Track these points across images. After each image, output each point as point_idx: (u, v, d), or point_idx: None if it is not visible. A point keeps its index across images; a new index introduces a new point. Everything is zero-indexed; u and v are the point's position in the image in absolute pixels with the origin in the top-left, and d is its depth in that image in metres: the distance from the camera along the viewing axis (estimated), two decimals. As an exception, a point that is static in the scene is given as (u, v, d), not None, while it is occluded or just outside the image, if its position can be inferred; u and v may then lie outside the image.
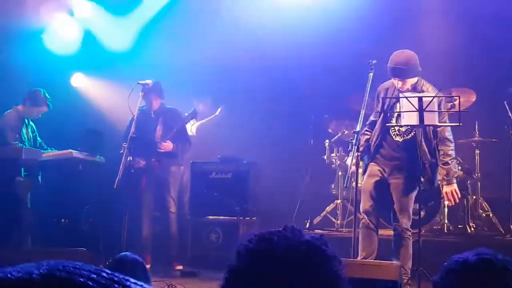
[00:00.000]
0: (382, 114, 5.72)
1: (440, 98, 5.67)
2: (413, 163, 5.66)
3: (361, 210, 5.77)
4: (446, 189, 5.79)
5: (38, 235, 7.05)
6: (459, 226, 7.73)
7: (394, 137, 5.79)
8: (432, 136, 5.72)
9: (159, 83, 7.20)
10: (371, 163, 5.85)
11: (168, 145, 7.36)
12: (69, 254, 4.78)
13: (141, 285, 0.83)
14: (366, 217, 5.76)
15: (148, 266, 7.27)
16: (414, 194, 5.76)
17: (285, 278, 1.25)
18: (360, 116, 5.54)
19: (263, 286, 1.27)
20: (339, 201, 8.37)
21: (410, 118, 5.54)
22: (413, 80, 5.72)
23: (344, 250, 5.53)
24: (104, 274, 0.80)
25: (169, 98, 7.65)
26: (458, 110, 5.76)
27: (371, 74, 5.67)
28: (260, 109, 9.20)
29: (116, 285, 0.78)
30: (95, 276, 0.79)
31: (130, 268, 3.00)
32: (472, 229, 7.63)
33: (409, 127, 5.69)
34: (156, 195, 7.56)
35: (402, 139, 5.76)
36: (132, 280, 0.83)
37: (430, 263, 5.65)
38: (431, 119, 5.50)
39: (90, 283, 0.77)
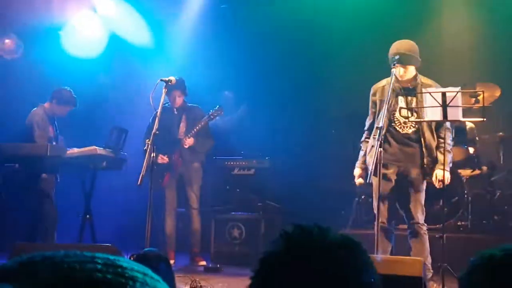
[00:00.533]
0: (384, 113, 5.65)
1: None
2: (420, 155, 5.68)
3: (377, 214, 5.73)
4: (442, 173, 5.69)
5: (62, 231, 7.13)
6: (484, 222, 7.66)
7: (401, 130, 5.76)
8: (434, 125, 5.74)
9: (182, 79, 7.24)
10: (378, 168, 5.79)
11: (190, 141, 7.42)
12: (95, 249, 4.81)
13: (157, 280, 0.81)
14: (384, 221, 5.75)
15: (172, 262, 7.32)
16: (424, 186, 5.76)
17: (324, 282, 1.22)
18: (383, 111, 5.51)
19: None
20: (363, 197, 8.33)
21: (433, 114, 5.49)
22: (413, 70, 5.73)
23: (366, 246, 5.51)
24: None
25: (192, 95, 7.68)
26: (482, 105, 5.71)
27: (394, 69, 5.64)
28: (285, 104, 9.18)
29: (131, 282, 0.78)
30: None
31: (154, 264, 3.02)
32: (497, 224, 7.56)
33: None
34: (179, 191, 7.61)
35: (411, 130, 5.74)
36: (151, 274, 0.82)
37: (454, 260, 5.62)
38: (455, 114, 5.45)
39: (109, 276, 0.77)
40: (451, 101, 5.35)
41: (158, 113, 6.01)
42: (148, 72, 8.43)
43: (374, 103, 5.90)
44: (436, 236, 5.76)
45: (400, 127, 5.77)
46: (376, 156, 5.36)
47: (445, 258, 5.40)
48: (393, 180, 5.79)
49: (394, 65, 5.64)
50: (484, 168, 7.91)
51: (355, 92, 8.67)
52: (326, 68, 8.93)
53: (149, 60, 9.16)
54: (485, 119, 5.60)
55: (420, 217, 5.72)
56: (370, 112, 5.98)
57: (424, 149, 5.69)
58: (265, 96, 9.15)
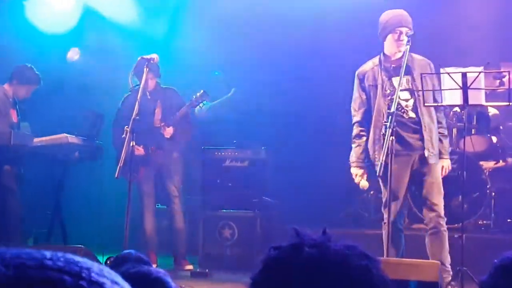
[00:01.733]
0: (396, 96, 5.66)
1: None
2: (431, 140, 5.73)
3: (385, 211, 5.74)
4: (443, 162, 5.79)
5: (29, 230, 7.11)
6: (508, 220, 7.68)
7: (404, 115, 5.75)
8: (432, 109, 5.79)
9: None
10: (388, 157, 5.77)
11: (170, 131, 7.37)
12: (66, 251, 4.80)
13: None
14: (395, 219, 5.74)
15: (154, 266, 7.31)
16: (441, 174, 5.81)
17: None
18: (395, 95, 5.50)
19: None
20: (372, 192, 8.34)
21: (452, 97, 5.49)
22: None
23: (376, 247, 5.52)
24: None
25: (177, 79, 7.66)
26: (507, 87, 5.71)
27: (408, 46, 5.62)
28: (283, 87, 9.15)
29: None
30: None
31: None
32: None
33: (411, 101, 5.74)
34: (158, 185, 7.58)
35: (414, 114, 5.75)
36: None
37: (474, 262, 5.63)
38: (477, 97, 5.44)
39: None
40: (472, 82, 5.34)
41: (138, 96, 5.98)
42: (127, 50, 8.38)
43: (364, 88, 5.88)
44: (455, 236, 5.77)
45: (404, 112, 5.77)
46: (387, 145, 5.34)
47: (465, 261, 5.40)
48: (407, 172, 5.79)
49: (394, 32, 5.63)
50: (510, 159, 7.91)
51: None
52: (330, 47, 8.90)
53: (128, 35, 9.10)
54: (511, 104, 5.59)
55: (441, 207, 5.74)
56: (359, 100, 5.93)
57: (424, 134, 5.71)
58: (260, 78, 9.11)
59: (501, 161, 7.88)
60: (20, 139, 6.67)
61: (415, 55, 5.82)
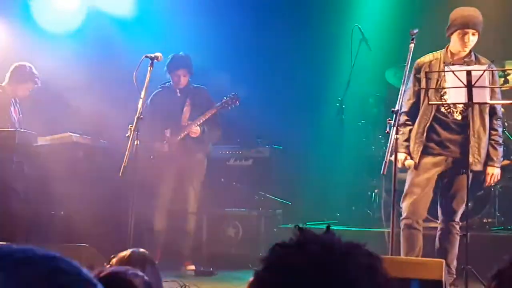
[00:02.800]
0: (428, 92, 5.64)
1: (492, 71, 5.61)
2: (478, 147, 5.66)
3: (405, 208, 5.71)
4: (494, 170, 5.74)
5: (33, 229, 7.11)
6: (513, 219, 7.67)
7: (449, 115, 5.70)
8: (487, 112, 5.70)
9: (188, 56, 7.13)
10: (423, 154, 5.75)
11: (197, 131, 7.33)
12: (70, 250, 4.81)
13: None
14: (412, 217, 5.71)
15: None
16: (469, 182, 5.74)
17: None
18: (400, 92, 5.48)
19: None
20: (376, 191, 8.33)
21: (457, 95, 5.47)
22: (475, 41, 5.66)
23: (381, 246, 5.52)
24: None
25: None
26: (512, 86, 5.70)
27: (412, 45, 5.60)
28: (288, 85, 9.14)
29: None
30: None
31: (139, 267, 3.01)
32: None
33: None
34: (176, 186, 7.52)
35: (461, 116, 5.68)
36: None
37: (479, 262, 5.61)
38: (481, 96, 5.43)
39: None
40: (477, 81, 5.32)
41: (142, 95, 5.97)
42: (132, 49, 8.37)
43: (419, 80, 5.79)
44: (460, 235, 5.75)
45: (449, 112, 5.72)
46: (391, 144, 5.34)
47: (469, 260, 5.39)
48: (437, 172, 5.75)
49: (462, 30, 5.55)
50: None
51: (368, 74, 8.68)
52: (336, 46, 8.89)
53: (133, 35, 9.10)
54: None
55: (459, 215, 5.72)
56: (411, 91, 5.84)
57: (471, 139, 5.58)
58: (265, 76, 9.11)
59: (505, 159, 7.86)
60: (24, 138, 6.68)
61: (481, 58, 5.74)
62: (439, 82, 5.67)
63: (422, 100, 5.76)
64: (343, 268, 1.30)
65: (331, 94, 8.95)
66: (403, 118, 5.80)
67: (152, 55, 6.26)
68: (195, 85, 7.56)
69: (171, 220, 7.67)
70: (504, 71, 7.24)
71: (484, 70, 5.38)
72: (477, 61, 5.71)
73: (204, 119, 7.32)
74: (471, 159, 5.58)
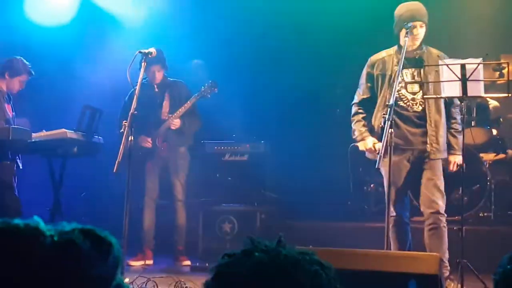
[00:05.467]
0: (394, 88, 5.66)
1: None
2: (436, 135, 5.71)
3: (392, 206, 5.71)
4: (455, 158, 5.79)
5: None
6: (509, 212, 7.67)
7: (409, 108, 5.75)
8: (442, 100, 5.76)
9: (161, 51, 7.11)
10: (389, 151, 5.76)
11: (177, 123, 7.36)
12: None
13: None
14: (399, 214, 5.75)
15: (150, 262, 7.30)
16: (441, 170, 5.78)
17: None
18: (394, 86, 5.48)
19: None
20: (371, 185, 8.34)
21: (451, 89, 5.47)
22: (422, 37, 5.73)
23: (376, 241, 5.52)
24: None
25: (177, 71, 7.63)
26: (507, 79, 5.69)
27: (407, 38, 5.60)
28: (282, 79, 9.12)
29: None
30: None
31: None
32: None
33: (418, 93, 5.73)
34: (162, 180, 7.57)
35: (421, 107, 5.74)
36: None
37: (474, 255, 5.63)
38: (476, 89, 5.42)
39: None
40: (471, 74, 5.32)
41: (136, 91, 5.96)
42: (126, 44, 8.36)
43: (371, 77, 5.89)
44: (454, 228, 5.74)
45: (408, 105, 5.76)
46: (386, 138, 5.33)
47: (465, 254, 5.39)
48: (406, 166, 5.78)
49: (407, 28, 5.60)
50: (510, 152, 7.90)
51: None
52: (329, 38, 8.88)
53: (127, 30, 9.08)
54: (510, 95, 5.57)
55: (440, 204, 5.72)
56: (363, 86, 5.95)
57: (429, 129, 5.69)
58: (259, 69, 9.09)
59: (501, 153, 7.87)
60: (18, 134, 6.65)
61: (431, 49, 5.83)
62: (393, 78, 5.69)
63: (378, 96, 5.82)
64: (289, 276, 1.31)
65: (326, 89, 8.95)
66: (354, 108, 5.96)
67: (146, 51, 6.23)
68: (171, 79, 7.60)
69: (162, 216, 7.68)
70: (499, 64, 7.22)
71: (479, 64, 5.38)
72: (428, 53, 5.78)
73: (184, 110, 7.35)
74: (429, 148, 5.69)
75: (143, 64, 6.22)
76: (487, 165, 7.58)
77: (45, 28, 8.80)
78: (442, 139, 5.75)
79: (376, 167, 5.37)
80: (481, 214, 7.61)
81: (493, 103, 7.98)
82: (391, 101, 5.40)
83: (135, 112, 5.83)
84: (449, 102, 5.80)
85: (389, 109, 5.33)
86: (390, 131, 5.30)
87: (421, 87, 5.73)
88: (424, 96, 5.68)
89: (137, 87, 5.98)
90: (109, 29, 9.11)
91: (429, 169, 5.74)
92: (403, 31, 5.71)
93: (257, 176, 8.12)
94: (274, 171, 8.26)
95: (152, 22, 9.10)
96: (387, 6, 6.16)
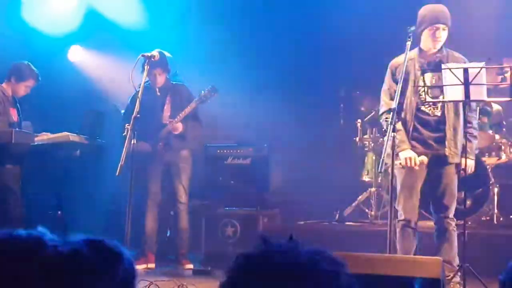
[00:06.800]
0: (411, 92, 5.67)
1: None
2: (454, 140, 5.69)
3: (399, 208, 5.73)
4: (469, 162, 5.70)
5: (30, 229, 7.08)
6: (511, 216, 7.66)
7: (430, 112, 5.73)
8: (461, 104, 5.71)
9: (163, 54, 7.07)
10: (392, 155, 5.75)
11: (179, 126, 7.35)
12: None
13: None
14: (408, 219, 5.72)
15: (152, 266, 7.30)
16: (457, 176, 5.77)
17: None
18: (397, 90, 5.48)
19: None
20: (373, 189, 8.33)
21: (454, 93, 5.47)
22: (444, 40, 5.70)
23: (378, 244, 5.52)
24: None
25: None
26: (509, 83, 5.69)
27: (409, 42, 5.58)
28: (285, 83, 9.12)
29: None
30: None
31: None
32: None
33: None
34: (164, 183, 7.56)
35: (440, 112, 5.72)
36: None
37: (477, 259, 5.62)
38: (479, 93, 5.43)
39: None
40: (474, 78, 5.32)
41: (139, 94, 5.97)
42: (128, 47, 8.37)
43: (395, 81, 5.77)
44: (457, 232, 5.75)
45: (430, 110, 5.73)
46: (389, 142, 5.33)
47: (467, 258, 5.39)
48: (423, 170, 5.76)
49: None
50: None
51: (365, 69, 8.66)
52: (332, 40, 8.88)
53: (130, 34, 9.09)
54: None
55: (452, 210, 5.74)
56: (389, 92, 5.83)
57: (447, 133, 5.68)
58: (261, 73, 9.09)
59: (505, 157, 7.86)
60: (21, 137, 6.66)
61: (452, 52, 5.79)
62: (416, 82, 5.68)
63: (403, 101, 5.74)
64: (309, 275, 1.31)
65: (329, 92, 8.95)
66: (384, 116, 5.79)
67: (149, 54, 6.25)
68: (174, 82, 7.57)
69: (165, 220, 7.68)
70: (502, 68, 7.22)
71: (481, 68, 5.39)
72: (451, 56, 5.75)
73: (184, 114, 7.33)
74: (447, 152, 5.67)
75: (145, 67, 6.23)
76: (490, 169, 7.58)
77: (49, 35, 8.80)
78: (460, 143, 5.72)
79: (379, 171, 5.37)
80: (483, 218, 7.60)
81: (495, 107, 7.97)
82: (393, 105, 5.39)
83: (138, 115, 5.84)
84: (466, 106, 5.77)
85: (392, 113, 5.33)
86: (393, 135, 5.31)
87: (442, 91, 5.67)
88: (426, 100, 5.69)
89: (140, 90, 5.99)
90: (112, 34, 9.11)
91: (446, 174, 5.70)
92: (425, 33, 5.69)
93: (260, 179, 8.12)
94: (276, 175, 8.27)
95: (155, 25, 9.12)
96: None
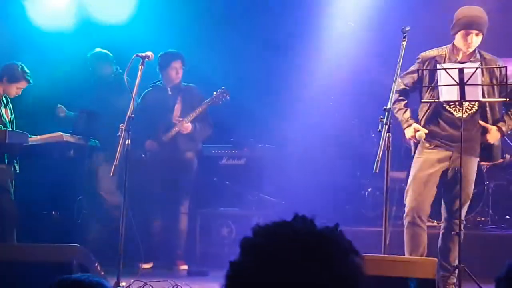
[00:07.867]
0: (428, 89, 5.67)
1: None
2: (478, 142, 5.71)
3: (408, 203, 5.70)
4: (496, 129, 5.72)
5: (25, 230, 7.08)
6: (507, 217, 7.68)
7: (455, 112, 5.68)
8: (497, 105, 5.71)
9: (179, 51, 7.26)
10: (426, 150, 5.75)
11: (188, 127, 7.34)
12: (62, 250, 4.79)
13: None
14: (415, 214, 5.65)
15: (150, 266, 7.30)
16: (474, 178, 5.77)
17: (294, 275, 1.30)
18: (392, 91, 5.47)
19: (270, 286, 1.30)
20: (369, 189, 8.34)
21: (449, 93, 5.48)
22: (479, 42, 5.66)
23: (374, 245, 5.52)
24: None
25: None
26: (505, 83, 5.70)
27: (404, 42, 5.57)
28: (280, 82, 9.12)
29: None
30: None
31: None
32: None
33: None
34: (167, 185, 7.52)
35: (467, 114, 5.66)
36: None
37: (472, 260, 5.63)
38: (474, 94, 5.44)
39: None
40: (469, 78, 5.33)
41: (133, 94, 5.96)
42: (124, 47, 8.35)
43: (422, 73, 5.74)
44: (452, 233, 5.76)
45: (455, 110, 5.68)
46: (384, 142, 5.33)
47: (462, 258, 5.40)
48: (439, 169, 5.74)
49: (465, 30, 5.53)
50: (507, 156, 7.90)
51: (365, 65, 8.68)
52: (330, 44, 8.89)
53: (126, 33, 9.07)
54: (508, 100, 5.59)
55: (464, 213, 5.72)
56: (409, 76, 5.81)
57: (473, 133, 5.69)
58: (256, 73, 9.08)
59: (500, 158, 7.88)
60: (15, 137, 6.66)
61: (485, 54, 5.73)
62: (435, 81, 5.67)
63: (424, 94, 5.75)
64: (321, 244, 1.36)
65: (324, 92, 8.94)
66: (395, 95, 5.65)
67: (143, 54, 6.23)
68: (185, 84, 7.57)
69: (164, 220, 7.67)
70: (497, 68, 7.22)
71: (476, 68, 5.40)
72: (483, 59, 5.69)
73: (195, 115, 7.33)
74: (469, 152, 5.65)
75: (140, 67, 6.22)
76: (485, 170, 7.59)
77: (45, 33, 8.78)
78: (478, 146, 5.73)
79: (374, 171, 5.36)
80: (478, 219, 7.62)
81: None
82: (389, 105, 5.39)
83: (132, 116, 5.84)
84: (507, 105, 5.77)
85: (386, 113, 5.33)
86: (387, 135, 5.31)
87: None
88: (422, 101, 5.70)
89: (134, 91, 5.99)
90: (108, 32, 9.09)
91: (464, 176, 5.58)
92: (458, 35, 5.64)
93: (255, 180, 8.12)
94: (272, 175, 8.26)
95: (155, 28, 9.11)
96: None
